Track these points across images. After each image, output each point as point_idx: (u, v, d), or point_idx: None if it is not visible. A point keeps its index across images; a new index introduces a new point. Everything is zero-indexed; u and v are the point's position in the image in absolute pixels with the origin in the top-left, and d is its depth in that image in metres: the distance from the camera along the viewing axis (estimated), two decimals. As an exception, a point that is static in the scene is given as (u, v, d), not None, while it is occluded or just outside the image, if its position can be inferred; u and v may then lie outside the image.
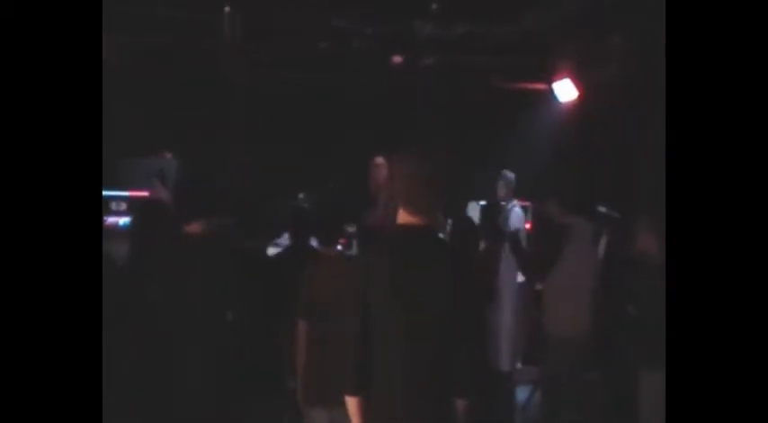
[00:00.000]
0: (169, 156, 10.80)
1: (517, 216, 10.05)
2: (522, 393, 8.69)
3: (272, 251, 7.27)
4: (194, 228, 4.99)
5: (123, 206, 9.99)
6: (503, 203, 9.67)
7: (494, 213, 7.97)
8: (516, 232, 9.02)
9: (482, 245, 7.62)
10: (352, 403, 3.90)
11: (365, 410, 3.87)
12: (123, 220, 9.78)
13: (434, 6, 9.42)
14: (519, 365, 9.22)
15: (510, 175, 10.23)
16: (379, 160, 8.39)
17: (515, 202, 10.24)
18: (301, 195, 9.28)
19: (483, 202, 8.34)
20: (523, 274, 8.09)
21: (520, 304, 8.52)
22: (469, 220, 7.95)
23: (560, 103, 11.34)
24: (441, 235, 6.37)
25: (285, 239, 7.44)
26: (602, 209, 8.30)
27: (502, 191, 10.47)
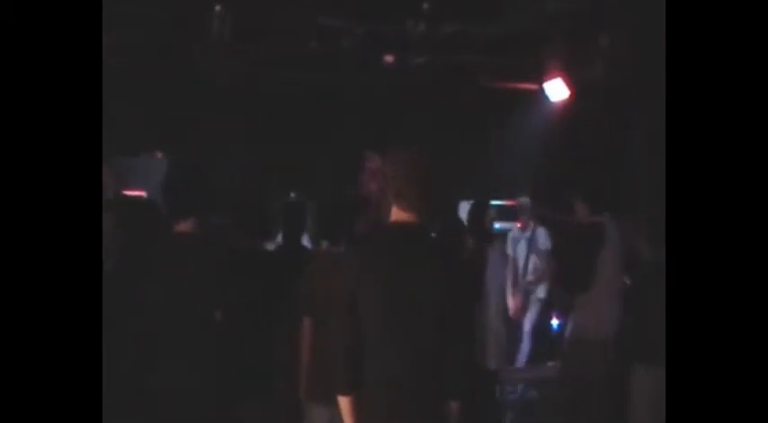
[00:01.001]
0: (160, 155, 10.79)
1: (543, 237, 10.24)
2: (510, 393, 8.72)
3: (265, 250, 7.27)
4: (184, 227, 4.98)
5: (115, 205, 9.96)
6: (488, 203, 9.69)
7: (481, 213, 7.97)
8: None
9: (469, 244, 7.65)
10: (344, 402, 3.91)
11: (358, 409, 3.88)
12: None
13: (426, 6, 9.41)
14: (511, 365, 9.25)
15: (526, 200, 10.32)
16: (371, 162, 8.39)
17: (532, 224, 10.35)
18: (293, 194, 9.28)
19: (471, 202, 8.35)
20: (566, 290, 7.86)
21: (506, 304, 8.53)
22: (458, 219, 7.96)
23: (551, 103, 11.35)
24: (432, 234, 6.38)
25: (279, 238, 7.44)
26: None
27: (524, 218, 10.54)
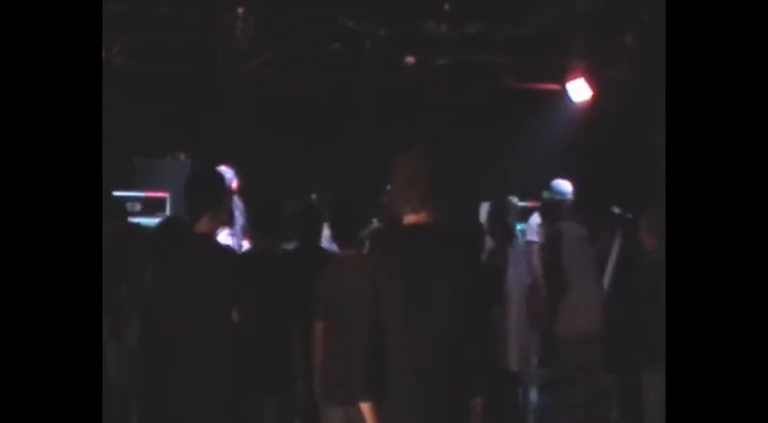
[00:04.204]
0: (183, 156, 10.85)
1: None
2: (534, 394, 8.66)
3: (282, 251, 7.27)
4: (204, 227, 5.00)
5: (138, 207, 10.02)
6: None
7: (501, 214, 7.94)
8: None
9: (489, 245, 7.63)
10: (366, 408, 3.90)
11: (380, 414, 3.88)
12: (138, 221, 9.81)
13: (447, 7, 9.39)
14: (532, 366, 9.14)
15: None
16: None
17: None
18: (314, 196, 9.28)
19: (491, 202, 8.31)
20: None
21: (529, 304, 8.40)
22: (477, 220, 7.94)
23: (574, 103, 11.30)
24: (451, 234, 6.35)
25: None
26: (616, 210, 8.26)
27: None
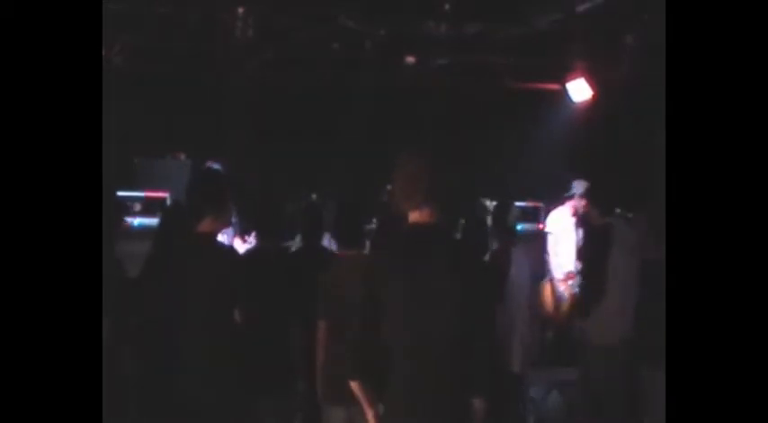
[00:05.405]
0: (183, 156, 10.89)
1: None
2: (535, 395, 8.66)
3: (284, 251, 7.28)
4: (205, 227, 5.01)
5: (138, 207, 10.06)
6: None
7: (504, 213, 7.92)
8: None
9: (493, 245, 7.60)
10: (354, 386, 3.93)
11: (371, 392, 3.90)
12: (138, 221, 9.84)
13: (447, 6, 9.40)
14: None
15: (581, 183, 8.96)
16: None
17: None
18: (314, 196, 9.30)
19: (494, 202, 8.29)
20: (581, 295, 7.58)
21: (532, 305, 8.35)
22: (481, 219, 7.91)
23: (574, 103, 11.31)
24: (454, 235, 6.35)
25: (298, 240, 7.45)
26: (617, 210, 8.24)
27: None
